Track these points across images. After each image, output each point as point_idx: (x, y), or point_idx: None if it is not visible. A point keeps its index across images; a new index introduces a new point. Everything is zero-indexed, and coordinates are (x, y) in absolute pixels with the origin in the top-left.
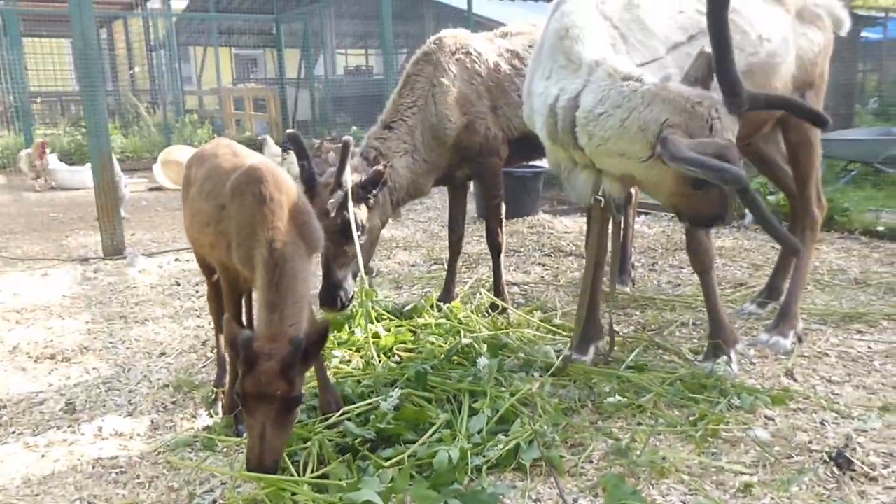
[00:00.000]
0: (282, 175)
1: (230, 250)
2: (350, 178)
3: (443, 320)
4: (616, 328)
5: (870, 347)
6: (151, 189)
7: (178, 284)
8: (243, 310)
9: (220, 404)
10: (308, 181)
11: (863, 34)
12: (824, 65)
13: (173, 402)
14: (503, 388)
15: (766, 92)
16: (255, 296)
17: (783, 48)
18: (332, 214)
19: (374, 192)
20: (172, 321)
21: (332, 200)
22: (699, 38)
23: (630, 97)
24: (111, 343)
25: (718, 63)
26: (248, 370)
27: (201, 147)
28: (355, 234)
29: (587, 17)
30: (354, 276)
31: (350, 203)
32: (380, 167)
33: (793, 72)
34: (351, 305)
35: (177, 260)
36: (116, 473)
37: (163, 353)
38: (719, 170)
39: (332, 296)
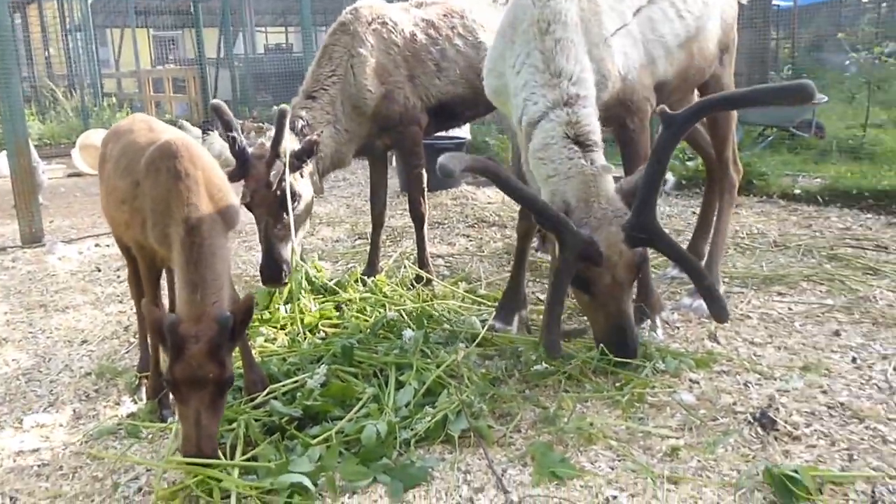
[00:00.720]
0: (197, 150)
1: (146, 228)
2: (288, 148)
3: (368, 295)
4: (542, 297)
5: (790, 309)
6: (70, 175)
7: (99, 270)
8: (164, 290)
9: (143, 390)
10: (240, 154)
11: (774, 2)
12: (735, 29)
13: (96, 391)
14: (429, 361)
15: (672, 242)
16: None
17: (714, 10)
18: (275, 186)
19: (308, 161)
20: (94, 308)
21: (273, 172)
22: (657, 0)
23: (563, 162)
24: (31, 333)
25: (643, 192)
26: (176, 355)
27: (117, 123)
28: (290, 205)
29: (571, 12)
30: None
31: (288, 174)
32: (313, 136)
33: (718, 34)
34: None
35: (97, 245)
36: (39, 466)
37: (84, 341)
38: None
39: (275, 271)
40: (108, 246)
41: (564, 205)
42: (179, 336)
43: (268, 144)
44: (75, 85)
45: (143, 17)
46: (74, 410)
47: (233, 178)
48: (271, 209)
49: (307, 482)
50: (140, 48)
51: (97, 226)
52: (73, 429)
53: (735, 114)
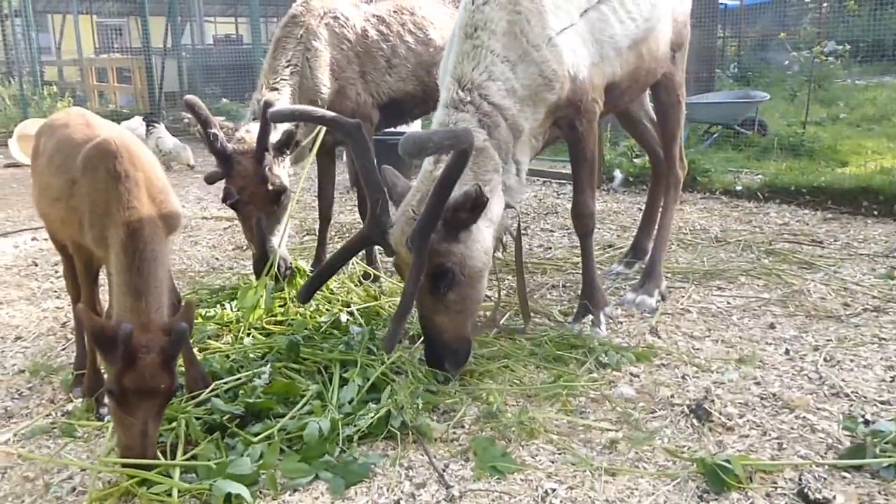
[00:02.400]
0: (137, 149)
1: (82, 228)
2: (272, 141)
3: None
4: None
5: (728, 303)
6: (7, 166)
7: (36, 265)
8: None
9: (79, 388)
10: (221, 151)
11: (721, 2)
12: (688, 27)
13: (29, 388)
14: (374, 357)
15: (417, 265)
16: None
17: (665, 12)
18: (270, 181)
19: (287, 152)
20: (29, 303)
21: (267, 167)
22: (605, 1)
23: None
24: None
25: (424, 207)
26: (128, 365)
27: (53, 115)
28: (280, 199)
29: (501, 21)
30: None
31: (278, 166)
32: (290, 127)
33: (670, 35)
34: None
35: (34, 239)
36: None
37: (19, 337)
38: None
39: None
40: (45, 240)
41: (405, 189)
42: (132, 346)
43: (248, 138)
44: (13, 72)
45: (87, 3)
46: (6, 409)
47: (215, 177)
48: (263, 205)
49: (244, 492)
50: (83, 35)
51: (34, 218)
52: (3, 427)
53: (684, 111)
